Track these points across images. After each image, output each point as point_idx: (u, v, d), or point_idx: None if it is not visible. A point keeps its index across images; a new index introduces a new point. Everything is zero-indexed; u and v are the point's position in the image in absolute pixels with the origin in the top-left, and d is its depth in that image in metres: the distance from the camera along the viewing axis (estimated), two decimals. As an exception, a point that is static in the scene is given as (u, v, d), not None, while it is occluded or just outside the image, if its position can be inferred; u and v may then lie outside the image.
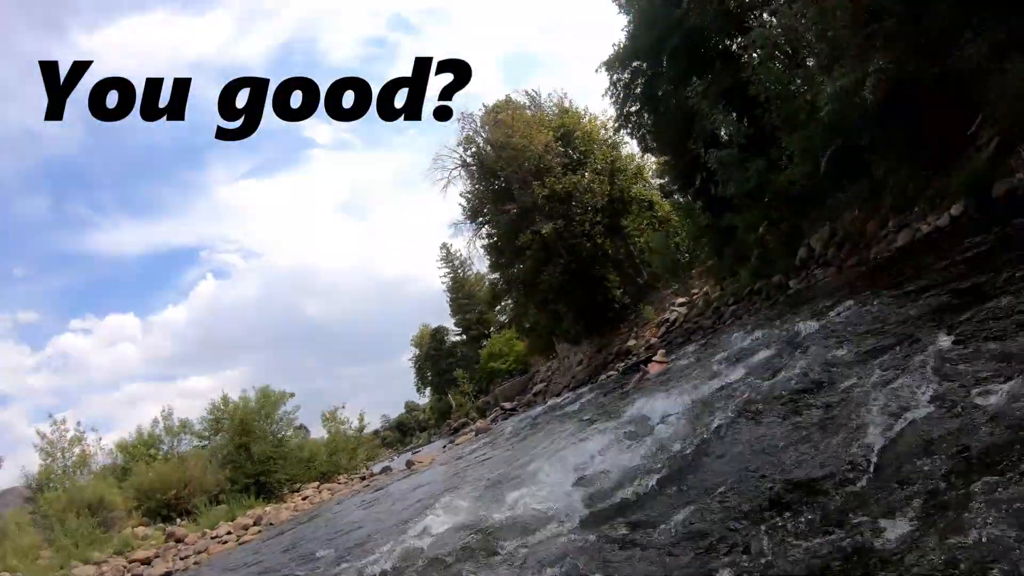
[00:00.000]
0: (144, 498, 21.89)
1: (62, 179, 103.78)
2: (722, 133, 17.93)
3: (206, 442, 27.09)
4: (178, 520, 21.48)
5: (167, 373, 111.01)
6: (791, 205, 16.32)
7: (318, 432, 35.13)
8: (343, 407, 35.46)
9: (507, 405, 38.92)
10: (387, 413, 77.31)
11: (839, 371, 5.71)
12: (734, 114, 17.29)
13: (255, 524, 18.73)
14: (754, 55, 16.88)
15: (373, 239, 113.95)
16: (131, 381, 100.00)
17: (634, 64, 22.35)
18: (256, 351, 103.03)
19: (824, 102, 12.68)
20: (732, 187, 17.03)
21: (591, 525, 4.63)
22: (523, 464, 9.24)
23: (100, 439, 24.63)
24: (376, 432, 69.57)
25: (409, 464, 23.90)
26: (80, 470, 22.73)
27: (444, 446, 32.39)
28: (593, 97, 66.51)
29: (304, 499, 23.59)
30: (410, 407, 73.39)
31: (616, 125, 24.75)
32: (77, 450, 22.98)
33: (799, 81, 15.30)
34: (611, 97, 23.95)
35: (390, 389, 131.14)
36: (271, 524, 18.33)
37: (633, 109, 23.37)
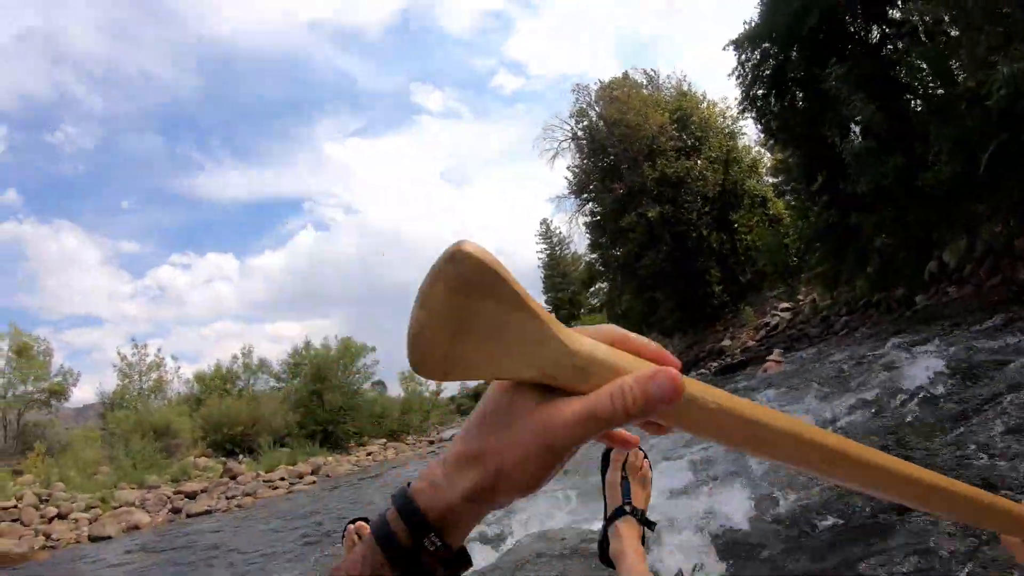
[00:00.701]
0: (211, 430, 22.07)
1: (175, 121, 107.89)
2: (858, 122, 16.01)
3: (282, 384, 27.25)
4: (241, 456, 21.56)
5: (257, 315, 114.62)
6: (928, 208, 14.35)
7: (395, 391, 35.41)
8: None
9: (588, 388, 37.92)
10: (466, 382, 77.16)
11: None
12: (874, 103, 15.33)
13: (312, 473, 18.42)
14: (904, 36, 14.91)
15: (472, 209, 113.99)
16: (222, 319, 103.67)
17: (764, 45, 20.54)
18: (346, 305, 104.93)
19: (996, 86, 10.73)
20: (864, 184, 15.11)
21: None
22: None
23: (179, 368, 25.23)
24: (452, 398, 69.91)
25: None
26: (155, 395, 23.11)
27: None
28: (708, 84, 63.54)
29: (368, 455, 23.30)
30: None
31: (741, 108, 22.92)
32: (154, 375, 23.41)
33: (957, 64, 13.27)
34: (737, 78, 22.16)
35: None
36: (328, 476, 17.97)
37: (760, 93, 21.55)
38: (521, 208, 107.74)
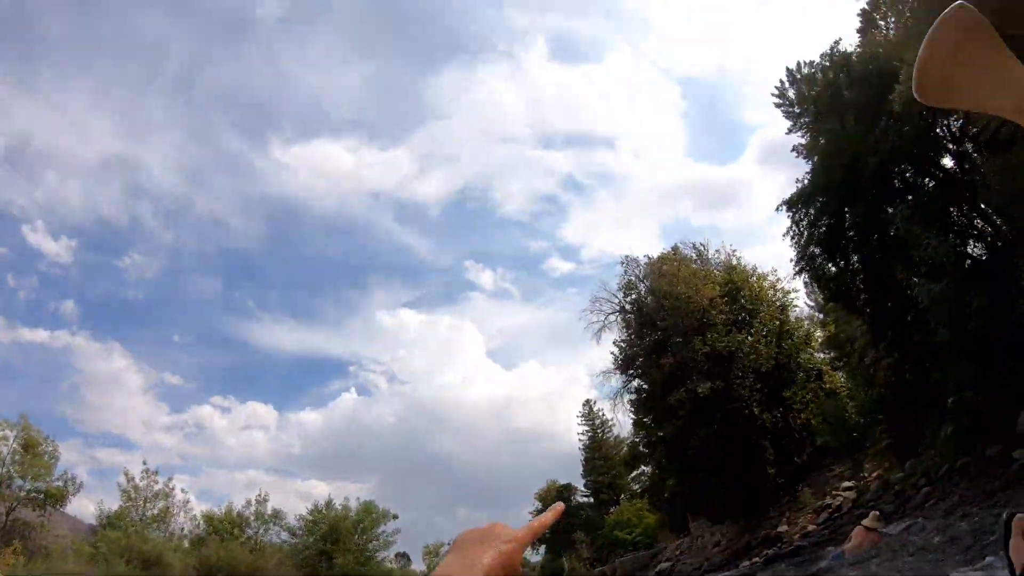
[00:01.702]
0: (205, 572, 20.20)
1: (237, 268, 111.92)
2: (931, 264, 14.94)
3: (296, 540, 25.28)
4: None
5: (290, 470, 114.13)
6: (1020, 351, 12.84)
7: (420, 566, 33.21)
8: (448, 545, 33.09)
9: (626, 580, 34.91)
10: (495, 562, 72.58)
11: None
12: (949, 235, 14.33)
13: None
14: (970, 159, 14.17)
15: (515, 389, 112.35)
16: (254, 468, 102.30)
17: (820, 200, 20.16)
18: (380, 472, 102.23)
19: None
20: (945, 332, 13.72)
21: None
22: None
23: (188, 501, 23.80)
24: (480, 580, 65.22)
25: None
26: (157, 524, 21.64)
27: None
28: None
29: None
30: (520, 562, 68.59)
31: (797, 269, 22.12)
32: (161, 504, 22.01)
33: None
34: (792, 238, 21.64)
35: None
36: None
37: (816, 251, 20.87)
38: (564, 392, 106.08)
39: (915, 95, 0.93)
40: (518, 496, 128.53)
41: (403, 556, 34.58)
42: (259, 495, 26.55)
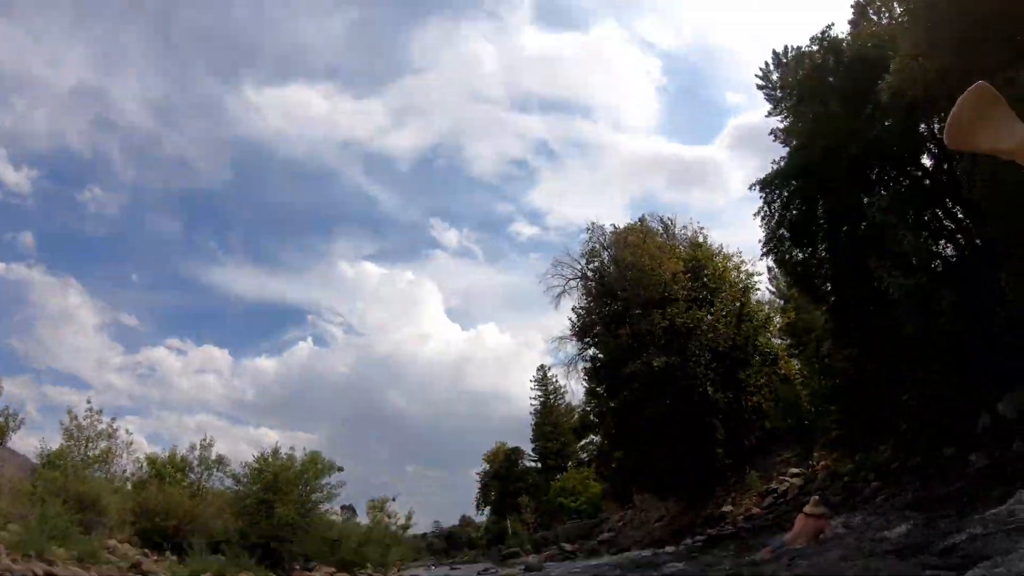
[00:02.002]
0: (143, 516, 19.56)
1: (199, 209, 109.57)
2: (904, 257, 14.54)
3: (240, 488, 24.50)
4: (168, 553, 18.89)
5: (242, 417, 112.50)
6: (993, 353, 12.51)
7: (364, 520, 32.78)
8: (393, 500, 32.84)
9: (568, 546, 35.24)
10: (440, 521, 73.13)
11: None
12: (924, 232, 13.95)
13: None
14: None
15: (472, 350, 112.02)
16: (206, 412, 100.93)
17: (795, 182, 19.65)
18: (333, 423, 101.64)
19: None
20: (913, 327, 13.37)
21: None
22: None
23: (131, 443, 23.01)
24: (424, 535, 66.12)
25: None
26: (99, 466, 20.93)
27: (483, 570, 28.57)
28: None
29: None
30: (465, 521, 68.98)
31: (764, 251, 21.67)
32: (103, 444, 21.23)
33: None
34: (762, 219, 21.19)
35: (450, 498, 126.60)
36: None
37: (786, 234, 20.43)
38: (521, 356, 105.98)
39: (945, 141, 1.70)
40: (466, 456, 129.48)
41: (349, 509, 34.16)
42: (204, 439, 25.73)
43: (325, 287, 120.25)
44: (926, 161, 16.11)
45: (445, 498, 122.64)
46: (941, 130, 15.30)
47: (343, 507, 33.65)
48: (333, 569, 24.03)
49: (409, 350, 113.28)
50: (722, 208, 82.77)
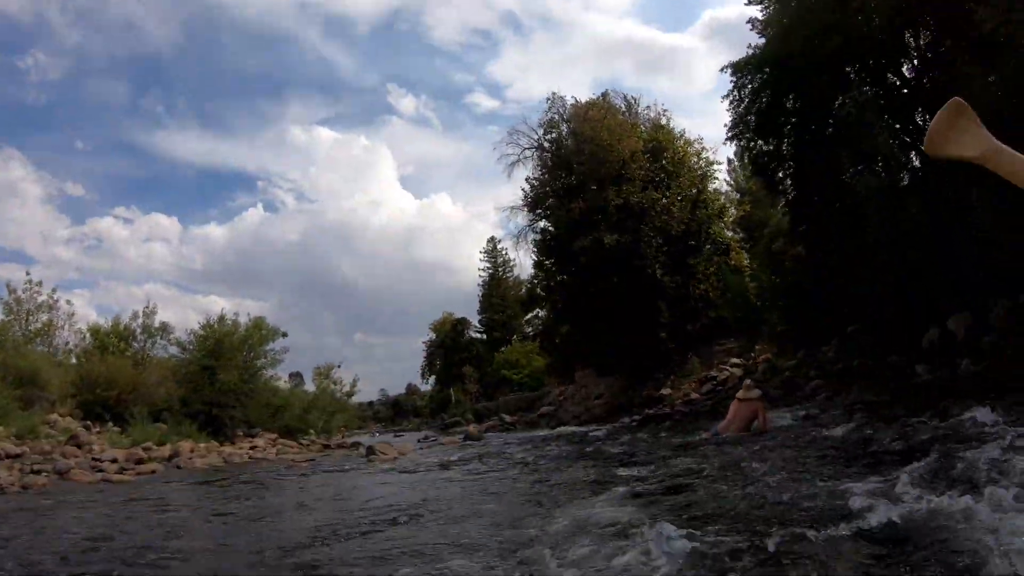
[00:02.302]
0: (84, 388, 19.15)
1: (147, 74, 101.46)
2: (878, 157, 14.08)
3: (186, 355, 24.01)
4: (110, 424, 18.66)
5: (191, 285, 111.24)
6: (955, 266, 12.36)
7: (311, 387, 32.96)
8: (339, 367, 33.00)
9: (508, 418, 36.17)
10: (386, 389, 74.57)
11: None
12: (897, 142, 13.44)
13: (170, 458, 15.44)
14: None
15: (423, 219, 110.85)
16: (154, 281, 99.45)
17: (768, 70, 18.76)
18: (282, 291, 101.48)
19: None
20: (878, 229, 13.05)
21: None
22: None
23: (72, 314, 22.27)
24: (371, 403, 67.84)
25: (369, 452, 16.99)
26: (40, 339, 20.21)
27: (423, 438, 29.02)
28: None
29: (252, 448, 20.35)
30: (411, 390, 70.48)
31: (730, 135, 20.97)
32: (44, 317, 20.44)
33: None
34: (731, 103, 20.39)
35: (397, 367, 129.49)
36: (179, 467, 14.84)
37: (752, 121, 19.73)
38: (472, 228, 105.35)
39: (925, 150, 1.85)
40: (412, 325, 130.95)
41: (297, 376, 34.33)
42: (147, 307, 24.97)
43: (277, 152, 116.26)
44: (906, 72, 15.35)
45: (392, 367, 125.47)
46: (925, 39, 14.59)
47: (291, 374, 33.83)
48: (276, 435, 24.11)
49: (360, 217, 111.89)
50: (687, 97, 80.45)
